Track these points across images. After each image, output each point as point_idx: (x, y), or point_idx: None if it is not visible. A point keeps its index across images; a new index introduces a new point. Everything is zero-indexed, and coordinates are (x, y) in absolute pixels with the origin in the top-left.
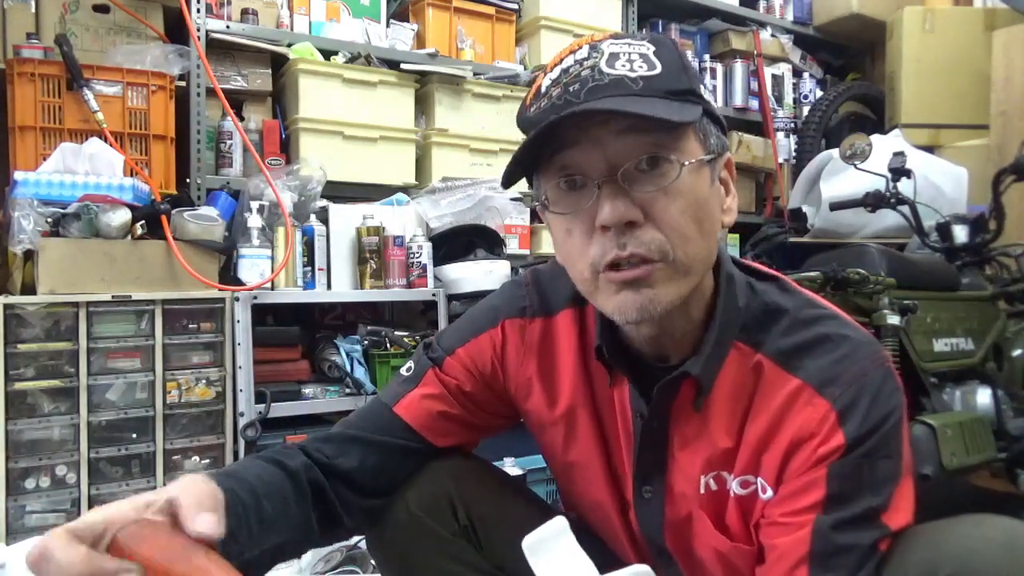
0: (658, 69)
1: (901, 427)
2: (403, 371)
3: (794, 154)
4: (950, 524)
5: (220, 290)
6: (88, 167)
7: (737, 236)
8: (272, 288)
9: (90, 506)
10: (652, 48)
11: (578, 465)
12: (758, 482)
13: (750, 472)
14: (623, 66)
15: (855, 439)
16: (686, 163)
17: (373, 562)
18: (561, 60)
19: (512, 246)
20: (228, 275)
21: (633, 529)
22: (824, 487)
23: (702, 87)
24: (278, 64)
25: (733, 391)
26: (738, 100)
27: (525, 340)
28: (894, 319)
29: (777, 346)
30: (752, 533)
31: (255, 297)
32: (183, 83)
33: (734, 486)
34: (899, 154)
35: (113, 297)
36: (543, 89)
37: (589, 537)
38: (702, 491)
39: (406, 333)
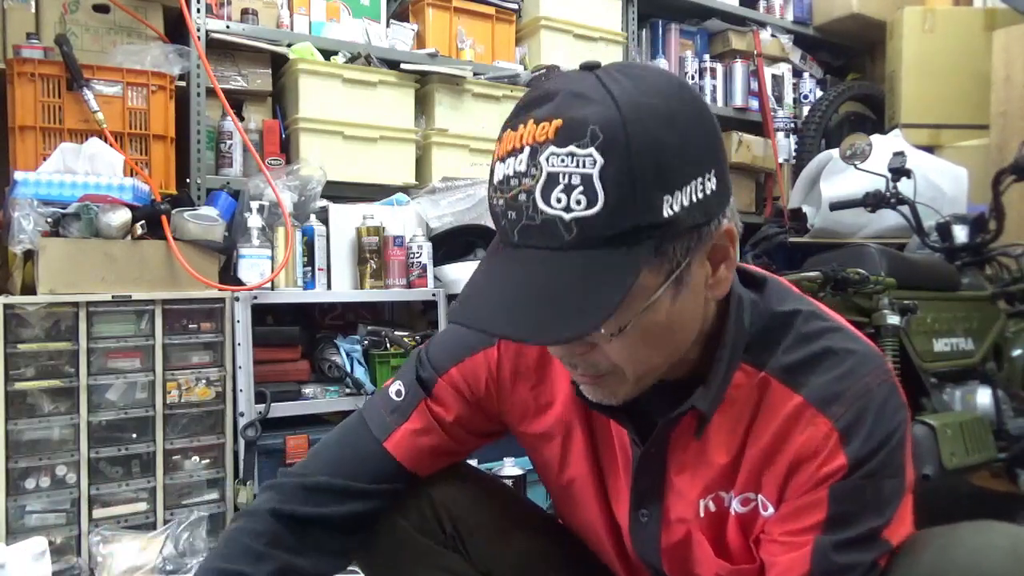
0: (599, 204)
1: (904, 444)
2: (392, 394)
3: (794, 154)
4: (954, 532)
5: (220, 290)
6: (88, 167)
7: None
8: (272, 288)
9: (90, 506)
10: (599, 162)
11: (571, 486)
12: (759, 499)
13: (750, 490)
14: (558, 201)
15: (857, 460)
16: (627, 326)
17: None
18: (506, 155)
19: None
20: (228, 275)
21: (627, 551)
22: (826, 508)
23: (666, 198)
24: (278, 64)
25: (735, 410)
26: (738, 100)
27: (521, 359)
28: (894, 319)
29: (781, 363)
30: (754, 549)
31: (255, 297)
32: (183, 83)
33: (734, 504)
34: (899, 154)
35: (113, 297)
36: (496, 181)
37: (587, 555)
38: (701, 514)
39: (406, 333)
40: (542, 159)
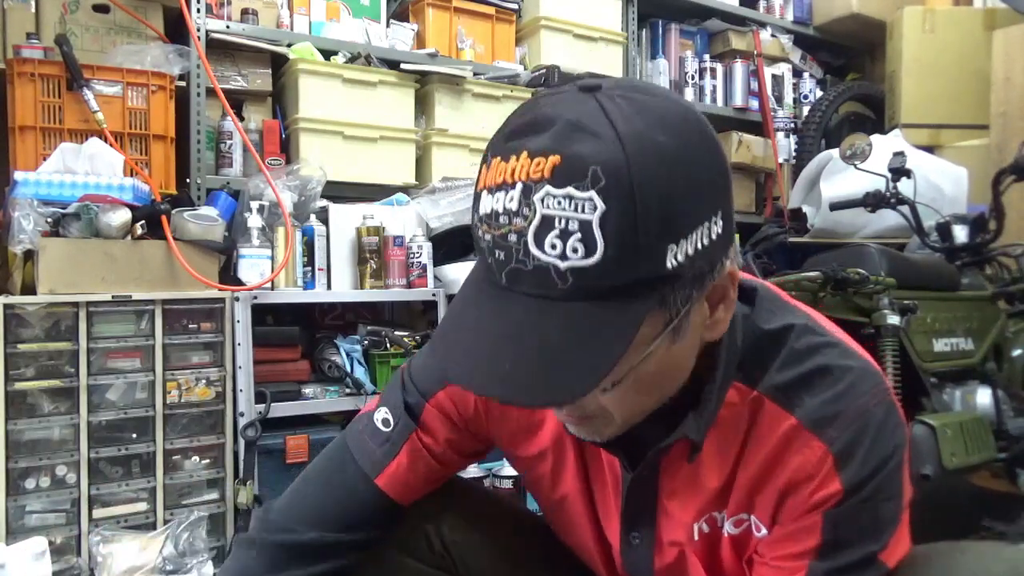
0: (598, 254)
1: (902, 465)
2: (379, 423)
3: (794, 154)
4: (953, 556)
5: (220, 290)
6: (88, 167)
7: (737, 236)
8: (272, 288)
9: (90, 506)
10: (600, 208)
11: (563, 503)
12: (751, 520)
13: (743, 511)
14: (553, 247)
15: (853, 486)
16: (620, 380)
17: None
18: (496, 187)
19: None
20: (228, 275)
21: (617, 571)
22: (820, 534)
23: (670, 247)
24: (278, 64)
25: (728, 430)
26: (738, 100)
27: None
28: (894, 319)
29: (774, 381)
30: (747, 570)
31: (255, 297)
32: (183, 83)
33: (727, 526)
34: (899, 154)
35: (113, 297)
36: (482, 212)
37: (581, 567)
38: (696, 537)
39: (406, 333)
40: (536, 199)
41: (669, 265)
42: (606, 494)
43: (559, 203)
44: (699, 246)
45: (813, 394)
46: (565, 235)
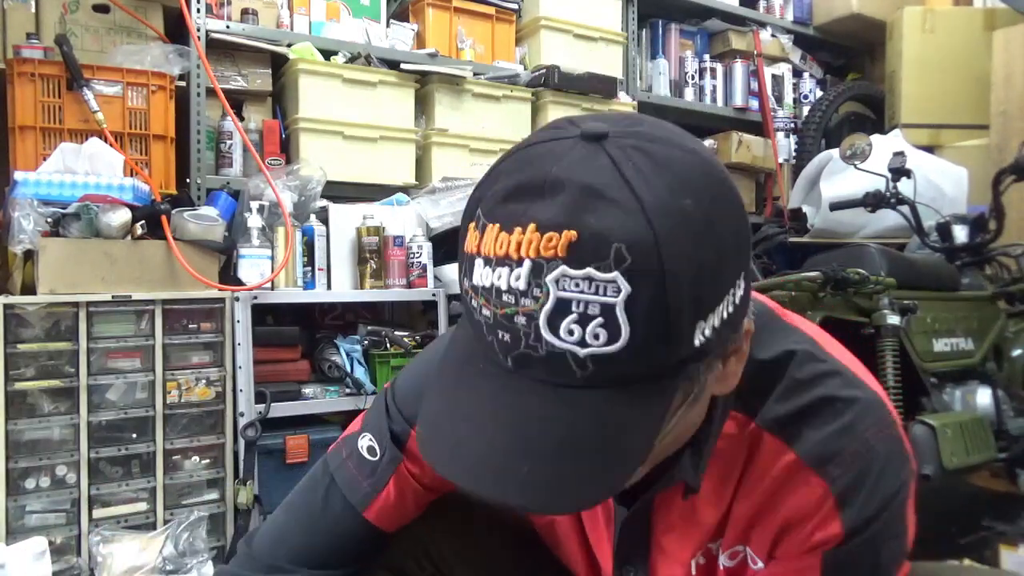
0: (622, 340)
1: (907, 502)
2: (365, 452)
3: (794, 154)
4: None
5: (220, 290)
6: (88, 167)
7: None
8: (272, 288)
9: (90, 506)
10: (625, 291)
11: (551, 527)
12: (747, 552)
13: (739, 543)
14: (570, 333)
15: (854, 528)
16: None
17: None
18: (496, 261)
19: None
20: (228, 275)
21: None
22: (818, 575)
23: (699, 324)
24: (278, 64)
25: (725, 462)
26: (738, 100)
27: None
28: (894, 319)
29: (773, 414)
30: None
31: (255, 297)
32: (183, 83)
33: (723, 559)
34: (899, 154)
35: (113, 297)
36: (478, 284)
37: None
38: (694, 572)
39: (406, 333)
40: (549, 280)
41: (697, 343)
42: (596, 520)
43: (577, 285)
44: (724, 316)
45: (814, 427)
46: (584, 320)
